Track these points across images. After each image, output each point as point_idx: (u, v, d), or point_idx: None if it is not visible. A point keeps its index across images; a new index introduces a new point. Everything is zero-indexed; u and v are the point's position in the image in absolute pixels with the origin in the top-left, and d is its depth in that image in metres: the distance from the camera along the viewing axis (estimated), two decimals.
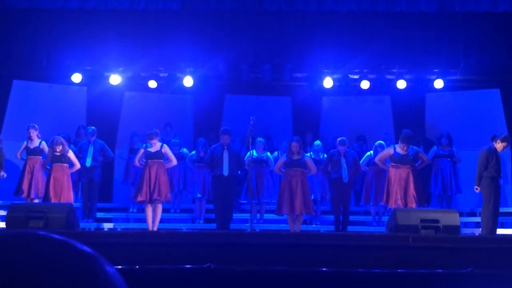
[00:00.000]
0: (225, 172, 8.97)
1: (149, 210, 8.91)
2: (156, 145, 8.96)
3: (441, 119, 12.21)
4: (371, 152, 10.12)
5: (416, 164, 8.99)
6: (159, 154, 8.94)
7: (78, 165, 9.18)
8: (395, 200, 8.60)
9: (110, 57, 11.36)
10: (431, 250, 5.84)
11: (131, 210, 10.80)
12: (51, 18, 10.87)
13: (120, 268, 4.83)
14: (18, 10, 10.22)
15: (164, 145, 9.12)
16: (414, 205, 8.46)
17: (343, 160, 9.19)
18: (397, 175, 8.70)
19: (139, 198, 8.83)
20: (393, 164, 8.81)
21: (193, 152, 10.59)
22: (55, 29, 11.09)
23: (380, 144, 9.96)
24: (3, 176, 8.14)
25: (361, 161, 9.95)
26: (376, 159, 9.20)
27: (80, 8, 9.80)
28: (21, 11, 10.37)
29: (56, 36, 11.16)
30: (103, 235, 7.54)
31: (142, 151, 9.04)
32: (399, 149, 8.81)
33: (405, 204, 8.53)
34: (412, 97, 12.21)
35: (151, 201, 8.84)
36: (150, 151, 8.93)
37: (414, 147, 9.10)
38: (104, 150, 10.28)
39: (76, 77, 11.71)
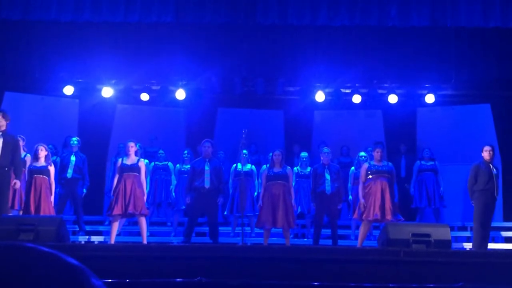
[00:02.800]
0: (206, 184, 8.79)
1: (115, 224, 8.64)
2: (132, 158, 8.72)
3: (432, 133, 12.29)
4: (353, 168, 10.18)
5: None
6: (135, 168, 8.62)
7: (53, 184, 9.02)
8: (372, 213, 8.47)
9: (103, 69, 11.36)
10: (422, 264, 5.83)
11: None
12: (44, 30, 10.87)
13: (110, 282, 4.80)
14: (11, 22, 10.21)
15: (142, 159, 8.85)
16: (390, 217, 8.38)
17: (326, 172, 9.21)
18: (373, 188, 8.59)
19: (114, 212, 8.46)
20: (369, 177, 8.69)
21: (178, 166, 10.64)
22: (48, 41, 11.08)
23: (362, 156, 9.99)
24: (16, 185, 7.87)
25: (349, 181, 10.06)
26: (360, 180, 8.92)
27: (73, 21, 9.79)
28: (14, 23, 10.36)
29: (48, 48, 11.16)
30: (93, 248, 7.49)
31: (119, 163, 8.79)
32: (374, 161, 8.83)
33: (383, 217, 8.45)
34: (404, 111, 12.27)
35: (126, 215, 8.61)
36: (126, 164, 8.65)
37: (389, 163, 9.05)
38: (84, 164, 10.19)
39: (68, 90, 11.71)
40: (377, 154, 8.79)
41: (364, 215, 8.55)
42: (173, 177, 10.70)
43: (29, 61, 11.36)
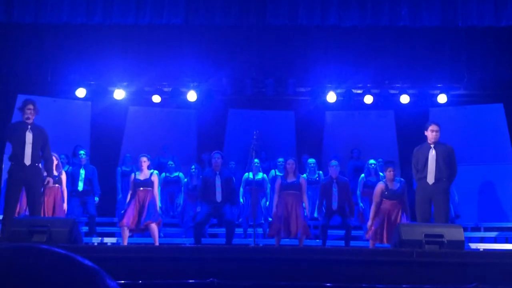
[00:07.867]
0: (218, 198, 8.76)
1: (126, 230, 8.67)
2: (145, 173, 8.79)
3: (444, 133, 12.17)
4: (363, 175, 10.11)
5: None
6: (148, 182, 8.72)
7: (65, 192, 9.07)
8: (379, 237, 8.33)
9: (114, 72, 11.40)
10: (435, 265, 5.81)
11: None
12: (56, 33, 10.92)
13: (123, 283, 4.81)
14: (24, 25, 10.26)
15: (154, 173, 8.90)
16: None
17: (334, 186, 9.10)
18: (384, 210, 8.44)
19: (127, 225, 8.54)
20: (383, 199, 8.50)
21: (186, 179, 10.58)
22: (60, 44, 11.13)
23: (371, 163, 9.89)
24: (50, 183, 7.52)
25: (358, 188, 9.97)
26: (374, 200, 8.66)
27: (85, 23, 9.83)
28: (26, 26, 10.42)
29: (60, 51, 11.21)
30: (106, 249, 7.51)
31: (132, 178, 8.87)
32: (387, 180, 8.61)
33: (382, 239, 8.33)
34: (416, 111, 12.21)
35: (138, 229, 8.70)
36: (139, 179, 8.75)
37: (402, 180, 8.83)
38: (93, 175, 10.24)
39: (81, 92, 11.76)
40: (389, 173, 8.60)
41: (372, 236, 8.47)
42: (181, 195, 10.62)
43: (41, 64, 11.41)
